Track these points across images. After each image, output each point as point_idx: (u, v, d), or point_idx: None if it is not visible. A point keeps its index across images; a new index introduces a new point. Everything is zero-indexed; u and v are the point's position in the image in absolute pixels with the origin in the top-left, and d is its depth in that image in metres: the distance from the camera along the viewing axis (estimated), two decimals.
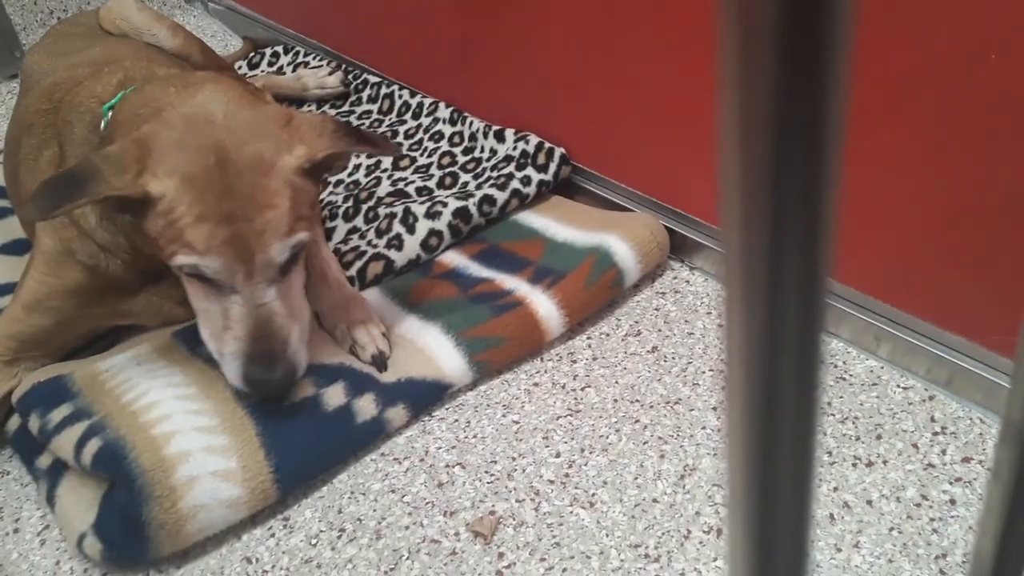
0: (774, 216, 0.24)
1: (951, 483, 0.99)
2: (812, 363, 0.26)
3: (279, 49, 1.96)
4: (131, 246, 1.12)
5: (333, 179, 1.54)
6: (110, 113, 1.09)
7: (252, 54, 2.01)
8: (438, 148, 1.58)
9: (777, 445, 0.27)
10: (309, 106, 1.82)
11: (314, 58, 1.90)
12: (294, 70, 1.90)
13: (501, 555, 0.98)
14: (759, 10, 0.22)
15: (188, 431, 1.04)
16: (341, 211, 1.43)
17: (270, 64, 1.95)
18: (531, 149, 1.44)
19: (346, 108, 1.78)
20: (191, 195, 0.95)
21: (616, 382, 1.17)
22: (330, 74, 1.82)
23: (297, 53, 1.93)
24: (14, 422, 1.15)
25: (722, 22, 0.23)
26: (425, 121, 1.65)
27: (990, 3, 0.88)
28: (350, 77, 1.81)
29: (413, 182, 1.49)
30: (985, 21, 0.89)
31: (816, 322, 0.26)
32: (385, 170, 1.55)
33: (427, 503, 1.04)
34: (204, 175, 0.96)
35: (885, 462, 1.02)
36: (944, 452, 1.02)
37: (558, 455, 1.08)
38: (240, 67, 1.96)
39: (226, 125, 0.99)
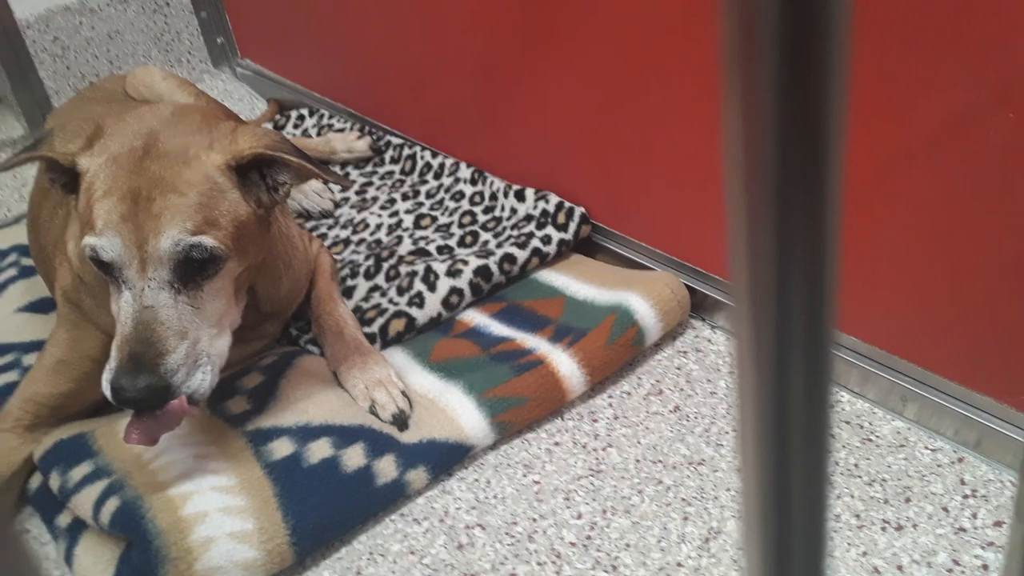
0: (779, 261, 0.24)
1: (983, 547, 0.96)
2: (822, 399, 0.25)
3: (304, 112, 2.00)
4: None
5: (355, 239, 1.56)
6: None
7: (277, 116, 2.05)
8: (459, 207, 1.59)
9: (789, 502, 0.27)
10: (334, 168, 1.84)
11: (338, 120, 1.93)
12: (319, 132, 1.93)
13: None
14: (760, 76, 0.23)
15: (206, 491, 1.04)
16: (362, 270, 1.44)
17: (295, 126, 1.99)
18: (551, 208, 1.45)
19: (369, 169, 1.81)
20: (109, 172, 0.98)
21: (638, 442, 1.15)
22: (359, 138, 1.83)
23: (322, 116, 1.96)
24: (35, 480, 1.15)
25: (727, 84, 0.24)
26: (446, 181, 1.66)
27: (1008, 60, 0.88)
28: (375, 140, 1.84)
29: (434, 241, 1.50)
30: (1004, 78, 0.89)
31: (824, 355, 0.25)
32: (407, 229, 1.56)
33: (447, 565, 1.02)
34: (127, 156, 0.99)
35: (915, 526, 0.99)
36: (975, 516, 1.00)
37: (580, 516, 1.06)
38: None
39: (169, 120, 1.03)
